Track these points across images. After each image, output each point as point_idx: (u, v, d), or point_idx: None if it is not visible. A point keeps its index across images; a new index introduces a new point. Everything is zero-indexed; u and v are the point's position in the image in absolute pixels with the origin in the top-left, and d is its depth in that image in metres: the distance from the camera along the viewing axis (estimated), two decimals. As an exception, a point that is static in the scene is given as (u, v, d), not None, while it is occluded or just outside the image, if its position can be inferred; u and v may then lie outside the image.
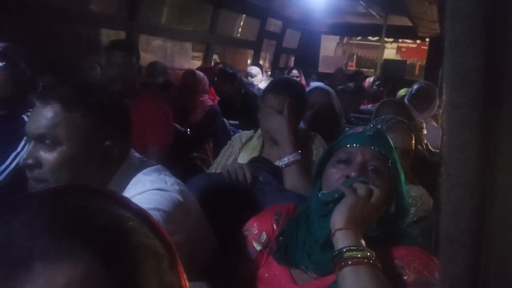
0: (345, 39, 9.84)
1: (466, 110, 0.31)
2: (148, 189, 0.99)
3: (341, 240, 0.84)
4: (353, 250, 0.81)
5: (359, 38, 9.31)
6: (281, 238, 1.03)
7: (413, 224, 1.47)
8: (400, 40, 9.22)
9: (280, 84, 1.70)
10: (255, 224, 1.10)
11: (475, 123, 0.32)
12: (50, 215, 0.36)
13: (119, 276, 0.35)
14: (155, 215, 0.92)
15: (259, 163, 1.57)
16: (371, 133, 1.03)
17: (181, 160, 2.57)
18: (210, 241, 1.18)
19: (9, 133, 1.61)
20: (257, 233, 1.08)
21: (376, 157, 0.99)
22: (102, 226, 0.36)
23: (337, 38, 9.78)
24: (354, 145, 1.01)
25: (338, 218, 0.87)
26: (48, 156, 0.94)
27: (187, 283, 0.41)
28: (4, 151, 1.56)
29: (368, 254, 0.81)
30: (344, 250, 0.82)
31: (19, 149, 1.57)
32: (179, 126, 2.81)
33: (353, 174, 0.96)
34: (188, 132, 2.90)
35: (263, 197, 1.34)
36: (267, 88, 1.73)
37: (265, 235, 1.07)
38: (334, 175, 0.99)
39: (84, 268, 0.33)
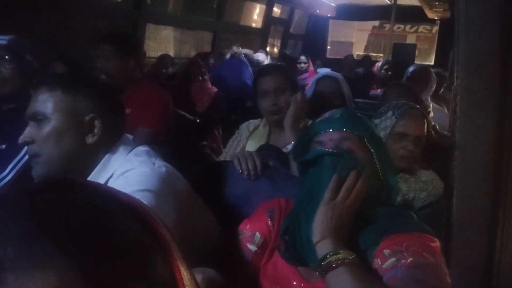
0: (375, 29, 9.84)
1: (481, 95, 0.31)
2: (135, 168, 1.03)
3: (319, 251, 0.88)
4: (328, 257, 0.85)
5: (386, 28, 9.28)
6: (286, 237, 0.99)
7: (424, 209, 1.47)
8: (419, 31, 9.27)
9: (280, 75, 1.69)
10: (247, 227, 1.07)
11: (490, 108, 0.31)
12: (23, 217, 0.32)
13: (99, 282, 0.31)
14: (146, 196, 0.94)
15: (268, 150, 1.57)
16: (338, 115, 1.03)
17: (191, 149, 2.58)
18: (212, 228, 1.18)
19: (21, 126, 1.62)
20: (250, 235, 1.06)
21: (348, 138, 0.99)
22: (80, 227, 0.32)
23: (369, 27, 9.74)
24: (323, 131, 1.02)
25: (315, 232, 0.91)
26: (38, 131, 1.07)
27: (185, 274, 0.38)
28: (16, 145, 1.57)
29: (345, 255, 0.85)
30: (321, 259, 0.86)
31: (31, 141, 1.58)
32: (188, 115, 2.82)
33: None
34: (198, 121, 2.91)
35: (272, 183, 1.34)
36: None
37: (259, 235, 1.05)
38: None
39: (57, 277, 0.30)
